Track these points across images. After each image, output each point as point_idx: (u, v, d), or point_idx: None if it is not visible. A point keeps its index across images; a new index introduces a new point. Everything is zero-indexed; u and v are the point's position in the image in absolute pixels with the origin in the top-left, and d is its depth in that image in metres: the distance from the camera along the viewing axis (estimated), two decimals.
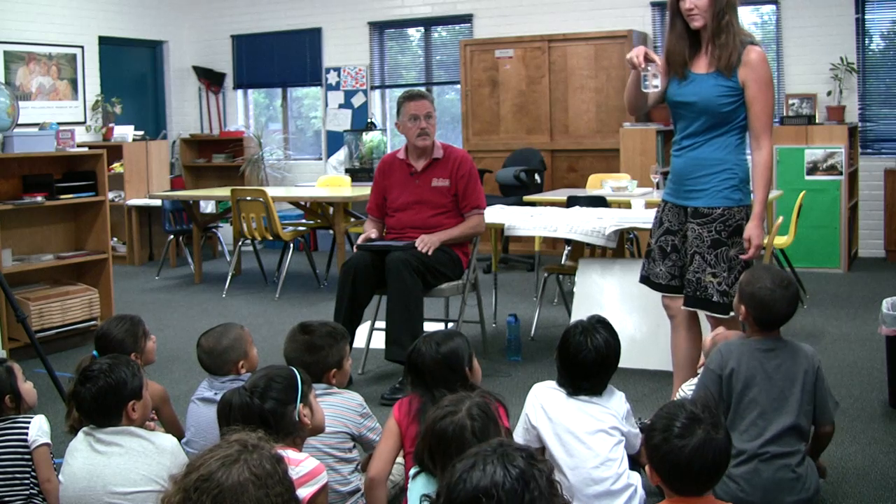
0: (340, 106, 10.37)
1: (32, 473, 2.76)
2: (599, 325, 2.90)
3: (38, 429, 2.79)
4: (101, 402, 2.52)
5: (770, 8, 8.44)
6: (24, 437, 2.76)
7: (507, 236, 5.89)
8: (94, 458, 2.49)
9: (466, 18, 9.71)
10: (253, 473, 1.71)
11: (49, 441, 2.80)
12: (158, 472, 2.47)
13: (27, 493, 2.74)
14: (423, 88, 9.11)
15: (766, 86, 3.50)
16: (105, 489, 2.44)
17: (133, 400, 2.58)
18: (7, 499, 2.71)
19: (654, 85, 3.60)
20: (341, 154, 10.07)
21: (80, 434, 2.58)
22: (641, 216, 5.33)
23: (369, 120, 10.06)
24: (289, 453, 2.32)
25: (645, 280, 3.87)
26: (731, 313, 3.48)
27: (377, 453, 2.77)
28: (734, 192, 3.56)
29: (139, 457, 2.48)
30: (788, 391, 2.82)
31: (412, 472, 2.37)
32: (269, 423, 2.32)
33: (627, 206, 5.95)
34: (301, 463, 2.28)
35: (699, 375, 3.04)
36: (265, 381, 2.39)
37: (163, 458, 2.50)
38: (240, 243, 7.73)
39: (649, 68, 3.58)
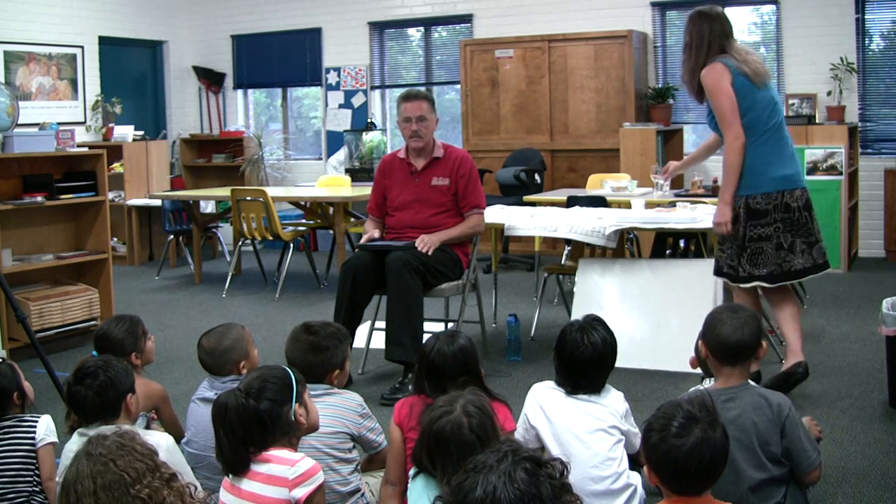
0: (340, 106, 10.37)
1: (36, 472, 2.77)
2: (596, 323, 2.91)
3: (46, 428, 2.81)
4: (103, 397, 2.56)
5: (770, 8, 8.44)
6: (31, 435, 2.78)
7: (507, 236, 5.90)
8: None
9: (466, 18, 9.72)
10: (88, 454, 1.91)
11: (56, 440, 2.82)
12: None
13: (29, 490, 2.75)
14: (423, 88, 9.13)
15: (714, 94, 4.17)
16: None
17: (130, 392, 2.64)
18: (10, 496, 2.72)
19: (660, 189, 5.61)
20: (341, 154, 10.07)
21: (75, 436, 2.59)
22: (641, 216, 5.33)
23: (369, 120, 10.07)
24: (284, 453, 2.32)
25: None
26: (745, 284, 4.23)
27: (389, 466, 2.76)
28: (744, 183, 4.19)
29: None
30: (750, 443, 2.59)
31: (411, 472, 2.37)
32: (265, 424, 2.32)
33: (627, 206, 5.95)
34: (297, 463, 2.28)
35: None
36: (259, 382, 2.38)
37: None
38: (240, 243, 7.73)
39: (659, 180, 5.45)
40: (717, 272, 4.38)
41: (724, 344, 2.73)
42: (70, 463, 1.94)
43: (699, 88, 4.26)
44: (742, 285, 4.25)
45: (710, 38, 4.19)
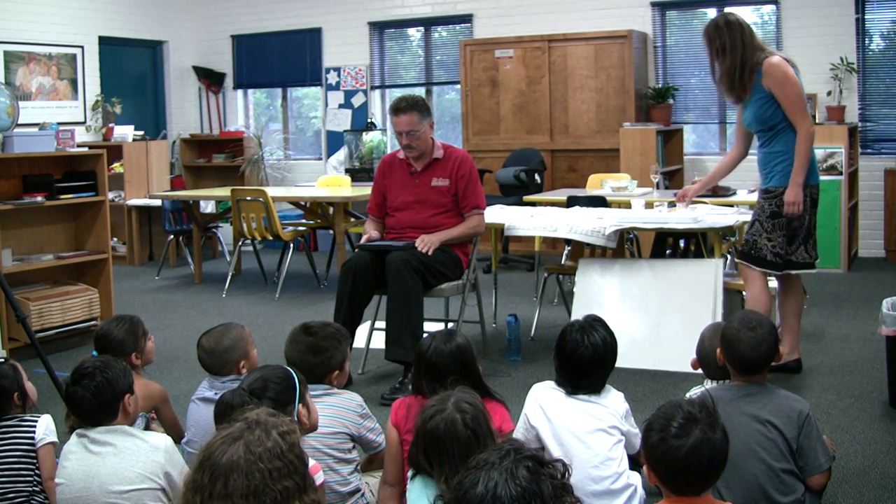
0: (340, 106, 10.37)
1: (36, 471, 2.77)
2: (596, 323, 2.91)
3: (46, 427, 2.81)
4: (101, 398, 2.55)
5: (770, 8, 8.44)
6: (31, 435, 2.78)
7: (507, 236, 5.89)
8: (88, 459, 2.50)
9: (466, 18, 9.72)
10: (249, 450, 1.75)
11: (56, 440, 2.82)
12: (153, 469, 2.48)
13: (29, 489, 2.75)
14: (415, 92, 9.08)
15: (784, 84, 4.33)
16: (102, 489, 2.45)
17: (128, 393, 2.62)
18: (10, 496, 2.72)
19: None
20: (341, 154, 10.07)
21: (73, 436, 2.59)
22: (641, 216, 5.33)
23: (369, 120, 10.07)
24: None
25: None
26: (787, 271, 4.47)
27: (387, 467, 2.76)
28: (809, 174, 4.38)
29: (133, 455, 2.49)
30: (771, 434, 2.66)
31: (410, 473, 2.37)
32: None
33: (627, 206, 5.95)
34: None
35: None
36: (261, 382, 2.38)
37: (157, 456, 2.51)
38: (240, 243, 7.73)
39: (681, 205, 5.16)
40: (758, 262, 4.43)
41: (743, 361, 2.78)
42: (225, 440, 1.77)
43: (740, 86, 4.39)
44: (804, 271, 4.51)
45: (743, 39, 4.38)
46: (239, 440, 1.77)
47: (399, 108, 4.74)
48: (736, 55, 4.38)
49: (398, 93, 9.72)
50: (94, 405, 2.55)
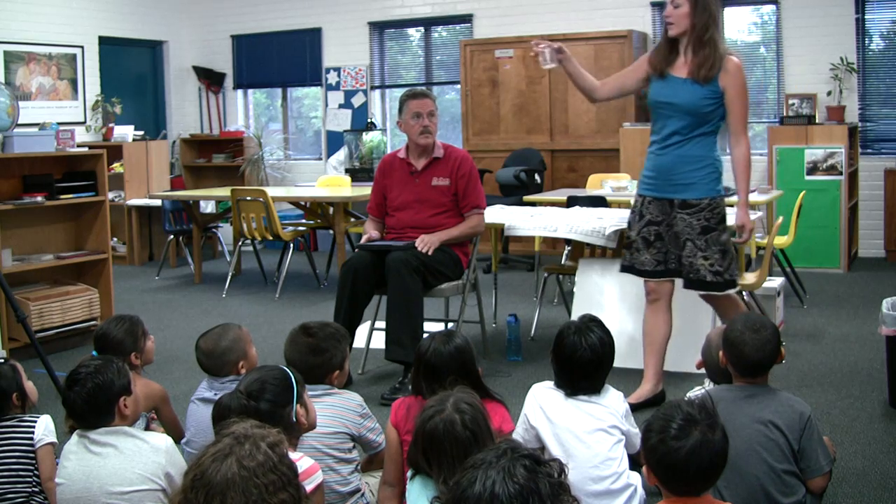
0: (340, 106, 10.37)
1: (35, 472, 2.77)
2: (593, 324, 2.90)
3: (45, 428, 2.81)
4: (93, 403, 2.54)
5: (770, 8, 8.44)
6: (30, 435, 2.78)
7: (507, 236, 5.90)
8: (89, 460, 2.50)
9: (466, 18, 9.71)
10: (242, 466, 1.73)
11: (55, 440, 2.82)
12: (154, 470, 2.48)
13: (28, 490, 2.75)
14: (423, 88, 9.08)
15: (743, 91, 3.92)
16: (102, 490, 2.45)
17: (123, 395, 2.60)
18: (9, 496, 2.72)
19: (546, 63, 4.44)
20: (341, 154, 10.07)
21: (74, 436, 2.59)
22: None
23: (369, 120, 10.07)
24: None
25: (629, 269, 4.20)
26: (728, 291, 4.00)
27: (387, 467, 2.76)
28: (717, 184, 3.98)
29: (134, 456, 2.49)
30: (773, 435, 2.66)
31: (409, 473, 2.37)
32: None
33: (627, 206, 5.93)
34: (296, 462, 2.28)
35: None
36: (258, 384, 2.37)
37: (157, 457, 2.51)
38: (240, 243, 7.73)
39: (543, 48, 4.37)
40: (699, 284, 4.00)
41: (747, 363, 2.78)
42: (215, 457, 1.75)
43: (708, 67, 3.87)
44: (729, 291, 4.03)
45: (718, 19, 3.94)
46: (230, 456, 1.75)
47: (418, 93, 4.86)
48: (717, 30, 3.88)
49: (398, 93, 9.73)
50: (86, 411, 2.54)
